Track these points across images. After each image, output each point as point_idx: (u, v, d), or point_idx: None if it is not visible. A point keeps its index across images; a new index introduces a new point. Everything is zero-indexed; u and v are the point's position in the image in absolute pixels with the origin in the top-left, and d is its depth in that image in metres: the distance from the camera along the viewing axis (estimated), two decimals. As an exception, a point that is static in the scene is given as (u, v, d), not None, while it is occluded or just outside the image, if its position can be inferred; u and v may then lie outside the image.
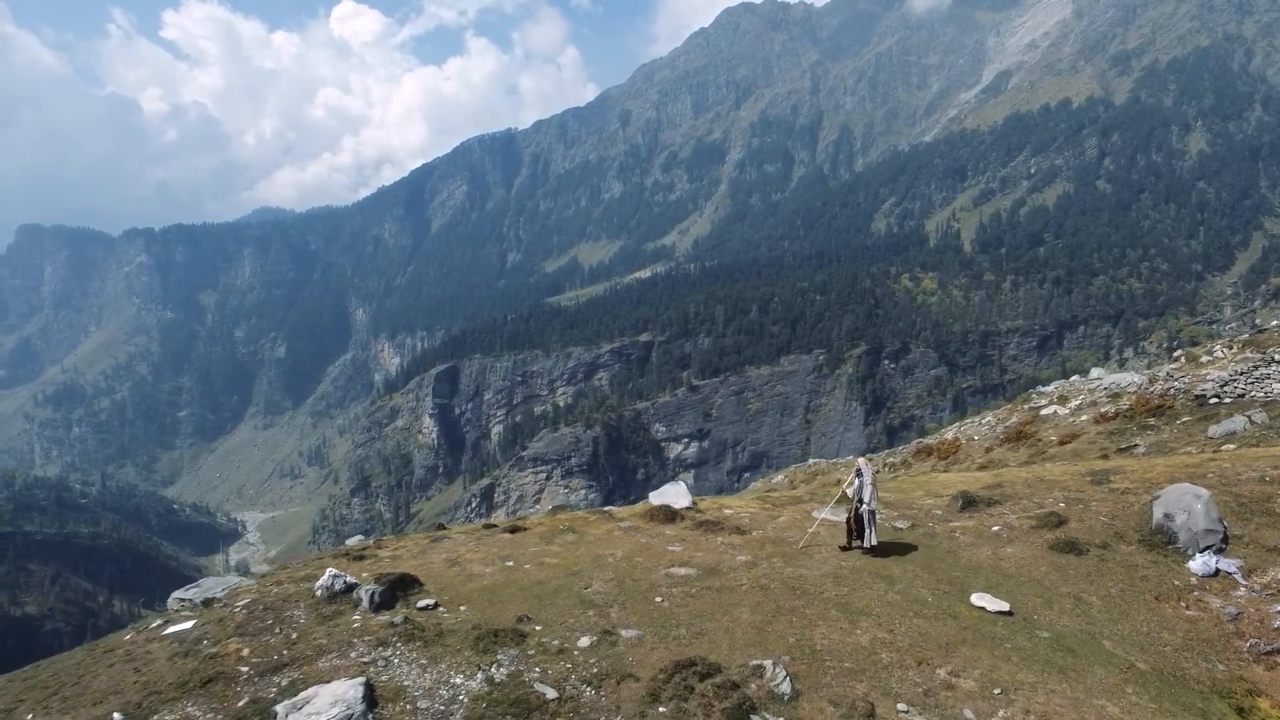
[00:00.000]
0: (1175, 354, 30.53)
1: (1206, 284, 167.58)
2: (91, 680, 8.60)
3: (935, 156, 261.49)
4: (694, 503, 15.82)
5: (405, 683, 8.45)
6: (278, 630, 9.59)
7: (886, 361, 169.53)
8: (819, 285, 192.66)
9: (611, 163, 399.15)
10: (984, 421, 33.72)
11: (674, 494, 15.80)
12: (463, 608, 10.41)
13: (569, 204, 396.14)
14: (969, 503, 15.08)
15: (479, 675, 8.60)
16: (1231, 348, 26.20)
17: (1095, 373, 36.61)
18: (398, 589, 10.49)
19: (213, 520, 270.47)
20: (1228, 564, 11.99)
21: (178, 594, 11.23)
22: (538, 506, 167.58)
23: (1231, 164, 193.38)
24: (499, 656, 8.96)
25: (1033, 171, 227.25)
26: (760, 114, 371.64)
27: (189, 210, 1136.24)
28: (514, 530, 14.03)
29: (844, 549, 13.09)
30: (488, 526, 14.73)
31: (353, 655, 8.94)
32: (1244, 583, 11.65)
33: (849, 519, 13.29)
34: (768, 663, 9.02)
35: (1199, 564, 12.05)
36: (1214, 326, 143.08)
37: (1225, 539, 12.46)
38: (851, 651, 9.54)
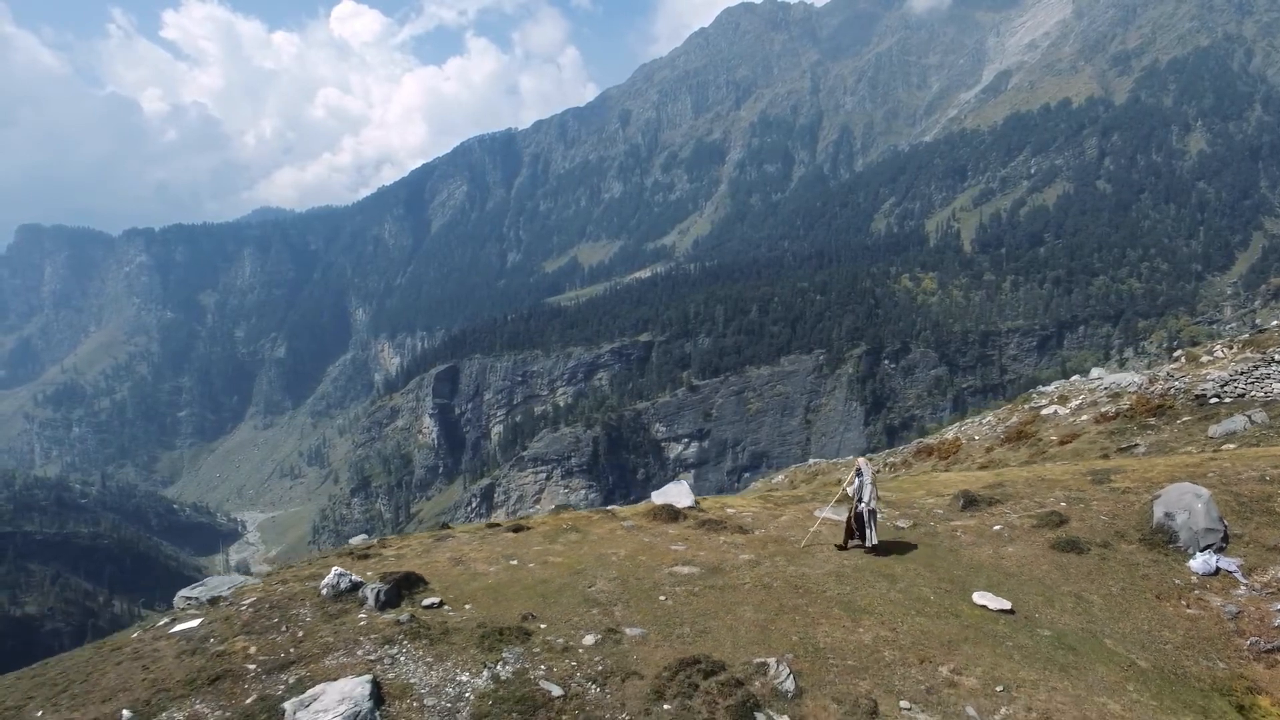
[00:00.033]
0: (1175, 354, 30.59)
1: (1206, 284, 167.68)
2: (100, 678, 8.66)
3: (935, 156, 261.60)
4: (696, 502, 15.88)
5: (412, 680, 8.51)
6: (284, 628, 9.64)
7: (886, 361, 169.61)
8: (819, 285, 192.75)
9: (611, 163, 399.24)
10: (984, 421, 33.76)
11: (677, 493, 15.86)
12: (468, 606, 10.47)
13: (569, 204, 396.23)
14: (970, 502, 15.14)
15: (485, 673, 8.66)
16: (1231, 348, 26.26)
17: (1095, 373, 36.66)
18: (403, 587, 10.55)
19: (213, 520, 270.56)
20: (1228, 563, 12.05)
21: (184, 592, 11.29)
22: (538, 506, 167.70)
23: (1231, 164, 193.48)
24: (504, 654, 9.02)
25: (1033, 171, 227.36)
26: (760, 114, 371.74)
27: (189, 210, 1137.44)
28: (518, 529, 14.09)
29: (840, 548, 13.14)
30: (491, 526, 14.79)
31: (359, 653, 8.99)
32: (1244, 581, 11.71)
33: (849, 518, 13.34)
34: (771, 660, 9.08)
35: (1199, 563, 12.11)
36: (1214, 326, 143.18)
37: (1226, 538, 12.52)
38: (854, 649, 9.60)
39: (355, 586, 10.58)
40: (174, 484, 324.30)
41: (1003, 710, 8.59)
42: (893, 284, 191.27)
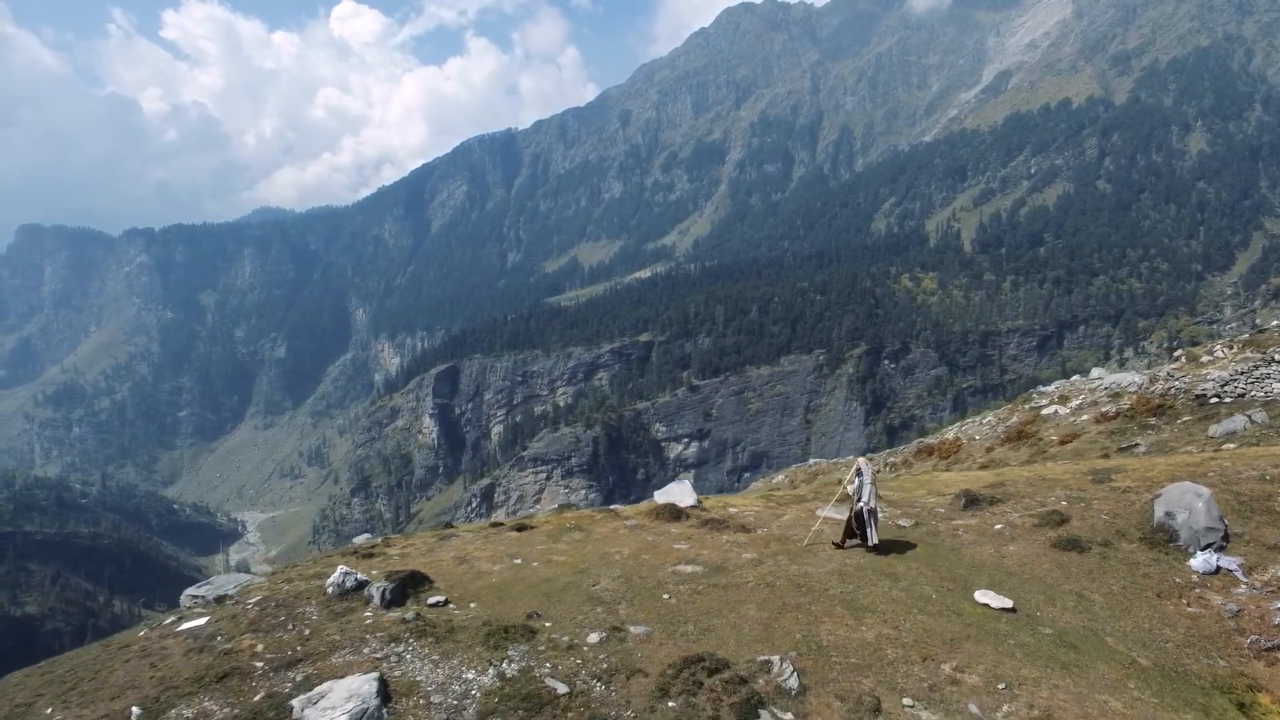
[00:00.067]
0: (1175, 354, 30.65)
1: (1206, 284, 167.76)
2: (108, 675, 8.72)
3: (935, 156, 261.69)
4: (699, 501, 15.94)
5: (418, 678, 8.57)
6: (290, 626, 9.70)
7: (886, 361, 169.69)
8: (819, 285, 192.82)
9: (611, 163, 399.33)
10: (985, 421, 33.82)
11: (679, 492, 15.91)
12: (472, 605, 10.53)
13: (569, 204, 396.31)
14: (972, 501, 15.20)
15: (491, 670, 8.72)
16: (1232, 348, 26.33)
17: (1096, 372, 36.71)
18: (408, 586, 10.60)
19: (213, 520, 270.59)
20: (1229, 561, 12.11)
21: (190, 591, 11.35)
22: (538, 506, 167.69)
23: (1231, 164, 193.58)
24: (510, 652, 9.08)
25: (1033, 171, 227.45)
26: (760, 114, 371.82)
27: (189, 210, 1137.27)
28: (521, 528, 14.15)
29: (837, 546, 13.20)
30: (495, 525, 14.86)
31: (366, 651, 9.05)
32: (1245, 580, 11.77)
33: (850, 517, 13.40)
34: (775, 658, 9.14)
35: (1200, 561, 12.17)
36: (1214, 326, 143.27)
37: (1226, 537, 12.58)
38: (857, 647, 9.66)
39: (361, 585, 10.63)
40: (174, 484, 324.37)
41: (1005, 707, 8.65)
42: (893, 284, 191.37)
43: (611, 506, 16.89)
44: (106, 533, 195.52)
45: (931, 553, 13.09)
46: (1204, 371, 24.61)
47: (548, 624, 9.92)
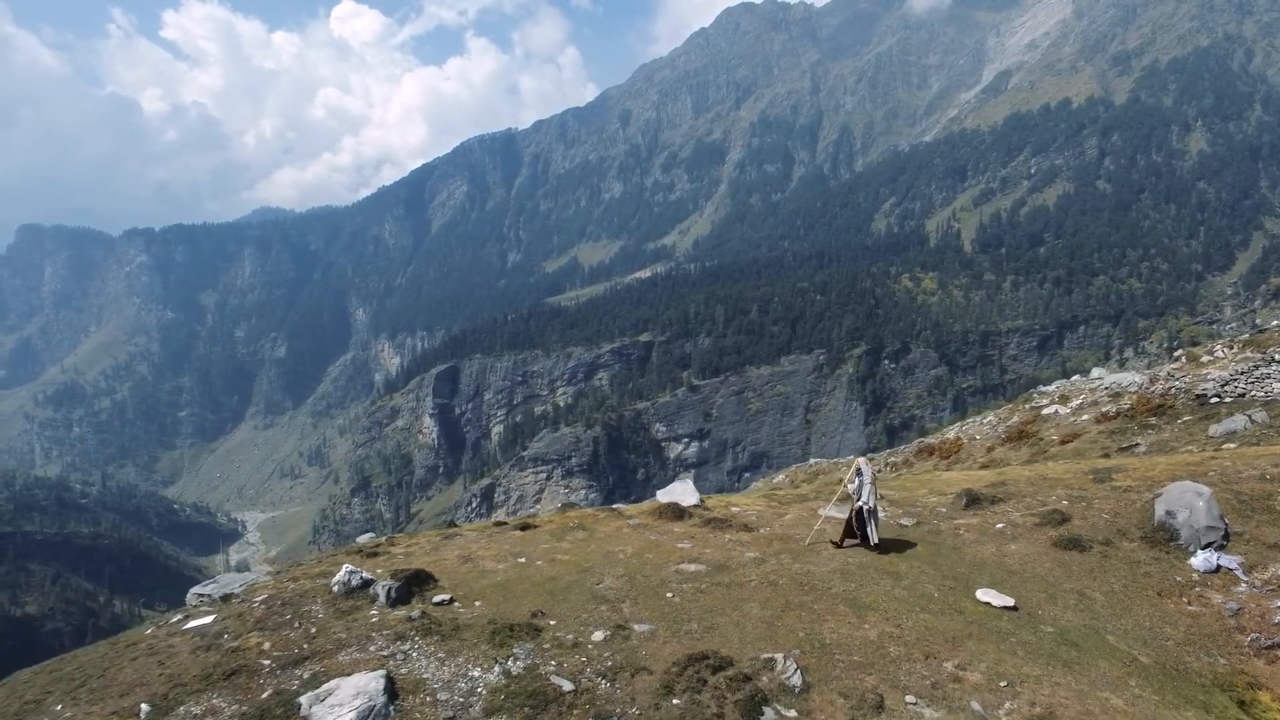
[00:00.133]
0: (1176, 354, 30.70)
1: (1206, 284, 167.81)
2: (117, 673, 8.77)
3: (935, 156, 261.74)
4: (701, 500, 16.00)
5: (424, 675, 8.63)
6: (297, 625, 9.76)
7: (887, 361, 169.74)
8: (819, 285, 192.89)
9: (611, 163, 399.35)
10: (985, 421, 33.86)
11: (681, 492, 15.97)
12: (477, 603, 10.59)
13: (569, 204, 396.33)
14: (973, 500, 15.26)
15: (496, 668, 8.78)
16: (1232, 347, 26.38)
17: (1096, 372, 36.75)
18: (413, 584, 10.67)
19: (213, 520, 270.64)
20: (1229, 560, 12.17)
21: (196, 589, 11.42)
22: (538, 506, 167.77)
23: (1231, 164, 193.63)
24: (515, 650, 9.14)
25: (1033, 171, 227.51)
26: (760, 114, 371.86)
27: (189, 210, 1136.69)
28: (525, 528, 14.21)
29: (835, 545, 13.26)
30: (499, 524, 14.92)
31: (372, 649, 9.11)
32: (1245, 579, 11.83)
33: (850, 517, 13.46)
34: (778, 656, 9.20)
35: (1200, 560, 12.23)
36: (1214, 326, 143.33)
37: (1226, 536, 12.63)
38: (860, 645, 9.72)
39: (366, 584, 10.70)
40: (174, 484, 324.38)
41: (1007, 705, 8.71)
42: (893, 284, 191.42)
43: (614, 506, 16.95)
44: (106, 533, 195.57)
45: (933, 551, 13.15)
46: (1204, 371, 24.67)
47: (552, 622, 9.98)
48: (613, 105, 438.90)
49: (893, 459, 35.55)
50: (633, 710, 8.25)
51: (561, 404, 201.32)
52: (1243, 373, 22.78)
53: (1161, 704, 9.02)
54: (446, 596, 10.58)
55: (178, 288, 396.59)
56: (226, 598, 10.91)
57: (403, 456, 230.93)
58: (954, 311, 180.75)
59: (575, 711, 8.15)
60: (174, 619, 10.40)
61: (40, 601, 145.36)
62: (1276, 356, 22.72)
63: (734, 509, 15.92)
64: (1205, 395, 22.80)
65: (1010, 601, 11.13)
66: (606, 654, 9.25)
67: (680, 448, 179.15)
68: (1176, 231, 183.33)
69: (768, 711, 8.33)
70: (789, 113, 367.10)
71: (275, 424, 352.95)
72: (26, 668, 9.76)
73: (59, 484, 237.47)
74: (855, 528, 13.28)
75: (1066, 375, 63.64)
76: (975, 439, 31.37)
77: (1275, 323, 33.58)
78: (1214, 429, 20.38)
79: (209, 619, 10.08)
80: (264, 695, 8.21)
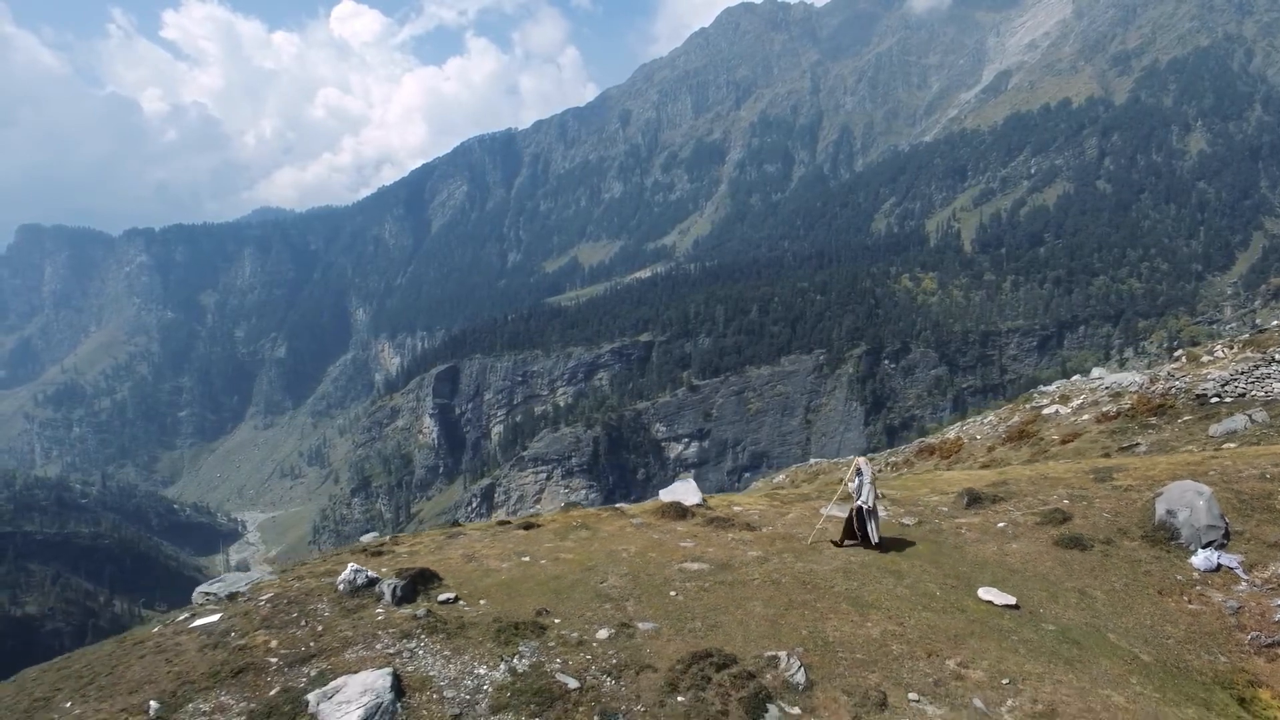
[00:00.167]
0: (1176, 354, 30.76)
1: (1206, 284, 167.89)
2: (125, 670, 8.83)
3: (935, 156, 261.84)
4: (704, 500, 16.06)
5: (431, 673, 8.68)
6: (303, 623, 9.82)
7: (887, 361, 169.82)
8: (819, 285, 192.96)
9: (611, 163, 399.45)
10: (986, 421, 33.92)
11: (684, 491, 16.03)
12: (482, 601, 10.65)
13: (569, 204, 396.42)
14: (974, 500, 15.31)
15: (502, 666, 8.84)
16: (1232, 347, 26.44)
17: (1096, 372, 36.81)
18: (419, 583, 10.72)
19: (213, 520, 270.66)
20: (1229, 559, 12.22)
21: (202, 588, 11.48)
22: (538, 506, 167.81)
23: (1231, 164, 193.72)
24: (520, 648, 9.19)
25: (1033, 171, 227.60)
26: (760, 114, 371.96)
27: (189, 210, 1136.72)
28: (528, 527, 14.27)
29: (835, 544, 13.32)
30: (502, 523, 14.98)
31: (378, 647, 9.17)
32: (1245, 577, 11.89)
33: (850, 516, 13.52)
34: (782, 654, 9.25)
35: (1201, 559, 12.28)
36: (1214, 326, 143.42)
37: (1227, 535, 12.69)
38: (863, 643, 9.78)
39: (371, 582, 10.75)
40: (174, 484, 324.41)
41: (1009, 702, 8.76)
42: (893, 284, 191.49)
43: (617, 505, 17.01)
44: (106, 533, 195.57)
45: (935, 550, 13.21)
46: (1204, 371, 24.73)
47: (557, 620, 10.03)
48: (613, 105, 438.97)
49: (893, 459, 35.61)
50: (638, 707, 8.31)
51: (561, 404, 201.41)
52: (1243, 373, 22.84)
53: (1162, 701, 9.08)
54: (451, 595, 10.64)
55: (178, 288, 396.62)
56: (233, 596, 10.97)
57: (403, 456, 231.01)
58: (954, 311, 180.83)
59: (581, 709, 8.20)
60: (180, 617, 10.45)
61: (40, 601, 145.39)
62: (1276, 356, 22.78)
63: (736, 508, 15.98)
64: (1205, 395, 22.87)
65: (1012, 600, 11.19)
66: (611, 652, 9.30)
67: (680, 448, 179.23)
68: (1176, 231, 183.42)
69: (772, 709, 8.39)
70: (789, 113, 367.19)
71: (275, 424, 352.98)
72: (33, 666, 9.82)
73: (59, 484, 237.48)
74: (855, 527, 13.34)
75: (1066, 375, 63.69)
76: (976, 439, 31.43)
77: (1275, 323, 33.64)
78: (1214, 429, 20.44)
79: (215, 617, 10.14)
80: (271, 693, 8.27)
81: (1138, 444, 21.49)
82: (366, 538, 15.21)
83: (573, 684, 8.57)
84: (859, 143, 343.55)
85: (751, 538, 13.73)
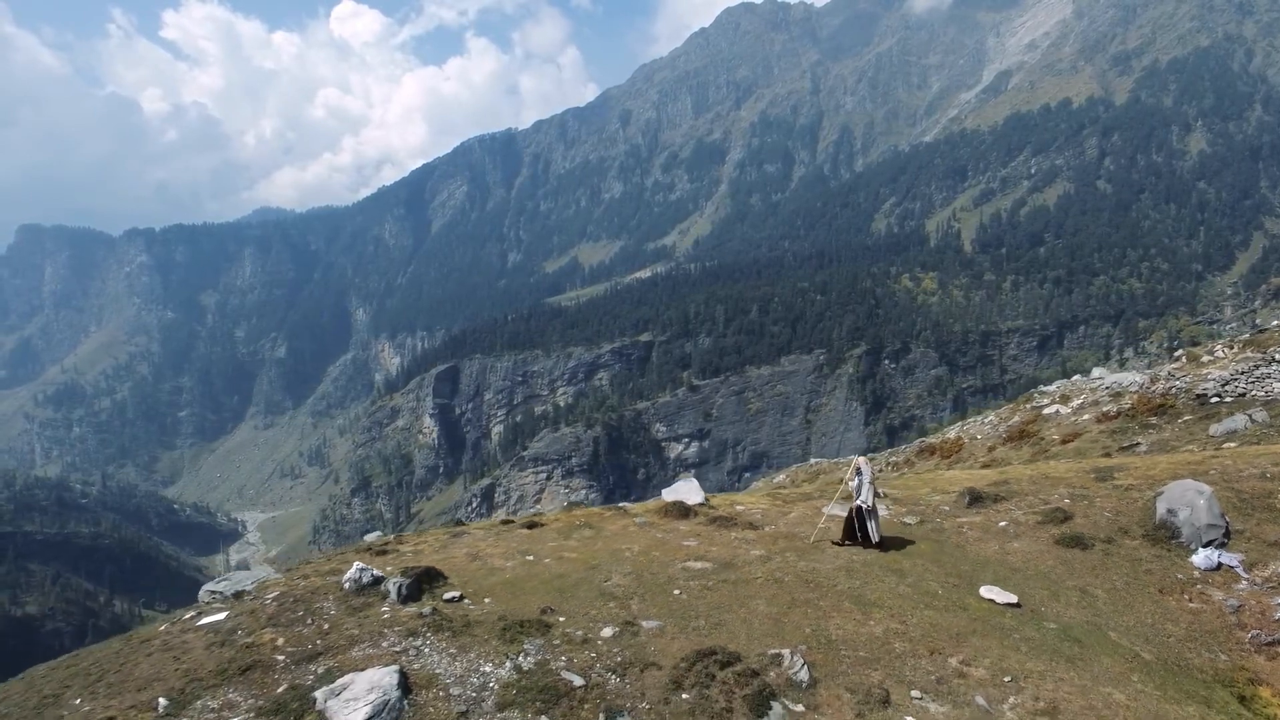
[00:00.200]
0: (1176, 354, 30.80)
1: (1207, 284, 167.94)
2: (133, 668, 8.89)
3: (935, 156, 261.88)
4: (706, 499, 16.12)
5: (437, 671, 8.74)
6: (309, 621, 9.87)
7: (887, 361, 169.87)
8: (819, 285, 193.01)
9: (612, 163, 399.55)
10: (986, 421, 33.97)
11: (687, 490, 16.09)
12: (487, 600, 10.71)
13: (569, 204, 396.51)
14: (976, 499, 15.37)
15: (507, 664, 8.89)
16: (1232, 347, 26.49)
17: (1097, 372, 36.85)
18: (423, 582, 10.78)
19: (213, 520, 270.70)
20: (1230, 558, 12.28)
21: (208, 586, 11.54)
22: (538, 506, 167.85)
23: (1232, 164, 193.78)
24: (525, 646, 9.25)
25: (1033, 171, 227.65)
26: (760, 114, 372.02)
27: (189, 210, 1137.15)
28: (532, 526, 14.33)
29: (836, 544, 13.38)
30: (505, 522, 15.04)
31: (384, 645, 9.22)
32: (1245, 576, 11.94)
33: (849, 515, 13.57)
34: (786, 652, 9.31)
35: (1201, 558, 12.34)
36: (1214, 326, 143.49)
37: (1227, 534, 12.75)
38: (866, 641, 9.84)
39: (377, 581, 10.81)
40: (174, 484, 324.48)
41: (1011, 699, 8.82)
42: (893, 284, 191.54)
43: (621, 504, 17.07)
44: (107, 533, 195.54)
45: (937, 549, 13.27)
46: (1204, 371, 24.79)
47: (561, 619, 10.09)
48: (613, 105, 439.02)
49: (894, 459, 35.65)
50: (643, 705, 8.37)
51: (562, 404, 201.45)
52: (1243, 372, 22.89)
53: (1163, 699, 9.14)
54: (456, 594, 10.69)
55: (178, 288, 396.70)
56: (239, 595, 11.03)
57: (403, 456, 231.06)
58: (954, 311, 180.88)
59: (586, 706, 8.26)
60: (187, 615, 10.51)
61: (40, 601, 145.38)
62: (1276, 356, 22.84)
63: (739, 507, 16.04)
64: (1206, 395, 22.92)
65: (1013, 598, 11.24)
66: (616, 650, 9.36)
67: (680, 448, 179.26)
68: (1176, 231, 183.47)
69: (776, 706, 8.45)
70: (789, 113, 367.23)
71: (275, 424, 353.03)
72: (40, 664, 9.88)
73: (59, 484, 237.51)
74: (855, 527, 13.39)
75: (1067, 375, 63.72)
76: (976, 438, 31.48)
77: (1275, 323, 33.69)
78: (1214, 428, 20.49)
79: (222, 615, 10.19)
80: (279, 690, 8.32)
81: (1138, 444, 21.55)
82: (370, 537, 15.27)
83: (578, 681, 8.63)
84: (859, 143, 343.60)
85: (754, 537, 13.79)
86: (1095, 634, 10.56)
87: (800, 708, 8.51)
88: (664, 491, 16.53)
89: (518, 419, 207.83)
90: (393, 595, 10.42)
